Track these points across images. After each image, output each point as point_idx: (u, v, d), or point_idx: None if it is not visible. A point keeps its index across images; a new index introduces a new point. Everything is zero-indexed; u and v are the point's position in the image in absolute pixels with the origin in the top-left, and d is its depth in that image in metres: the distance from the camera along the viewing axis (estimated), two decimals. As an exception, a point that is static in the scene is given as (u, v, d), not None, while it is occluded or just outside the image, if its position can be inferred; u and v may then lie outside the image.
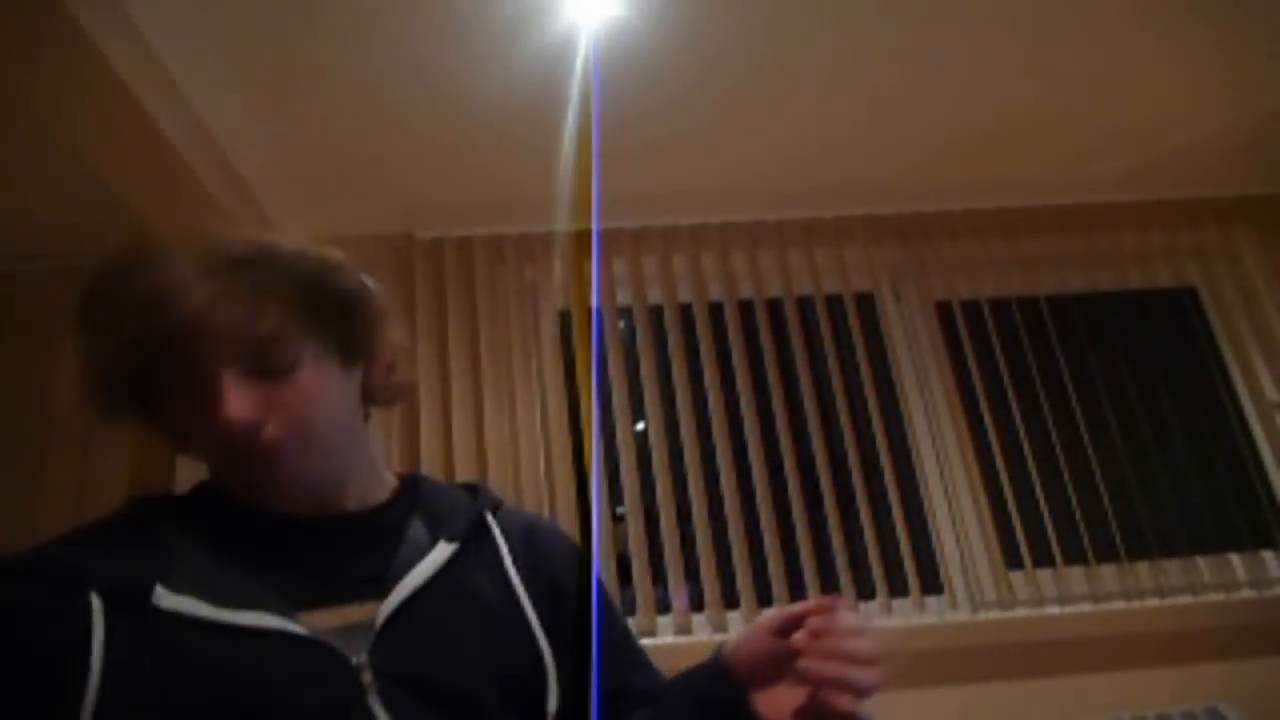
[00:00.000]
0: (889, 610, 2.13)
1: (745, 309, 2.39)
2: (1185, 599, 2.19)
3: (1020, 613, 2.15)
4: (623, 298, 2.37)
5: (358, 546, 0.76)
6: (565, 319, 2.34)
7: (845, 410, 2.29)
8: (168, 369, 0.70)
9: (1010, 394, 2.34)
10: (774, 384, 2.30)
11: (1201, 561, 2.24)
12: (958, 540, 2.23)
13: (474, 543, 0.82)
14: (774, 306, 2.40)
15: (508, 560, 0.82)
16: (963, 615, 2.16)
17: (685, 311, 2.37)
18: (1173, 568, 2.23)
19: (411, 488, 0.85)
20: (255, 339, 0.70)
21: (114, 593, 0.64)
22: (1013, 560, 2.20)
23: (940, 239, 2.46)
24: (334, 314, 0.76)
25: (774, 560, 2.14)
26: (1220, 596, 2.20)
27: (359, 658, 0.67)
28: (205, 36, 1.71)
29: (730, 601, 2.12)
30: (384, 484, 0.83)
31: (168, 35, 1.68)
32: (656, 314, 2.36)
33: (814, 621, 0.70)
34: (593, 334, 2.27)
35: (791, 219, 2.44)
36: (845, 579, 2.14)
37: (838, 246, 2.44)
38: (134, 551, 0.67)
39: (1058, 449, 2.30)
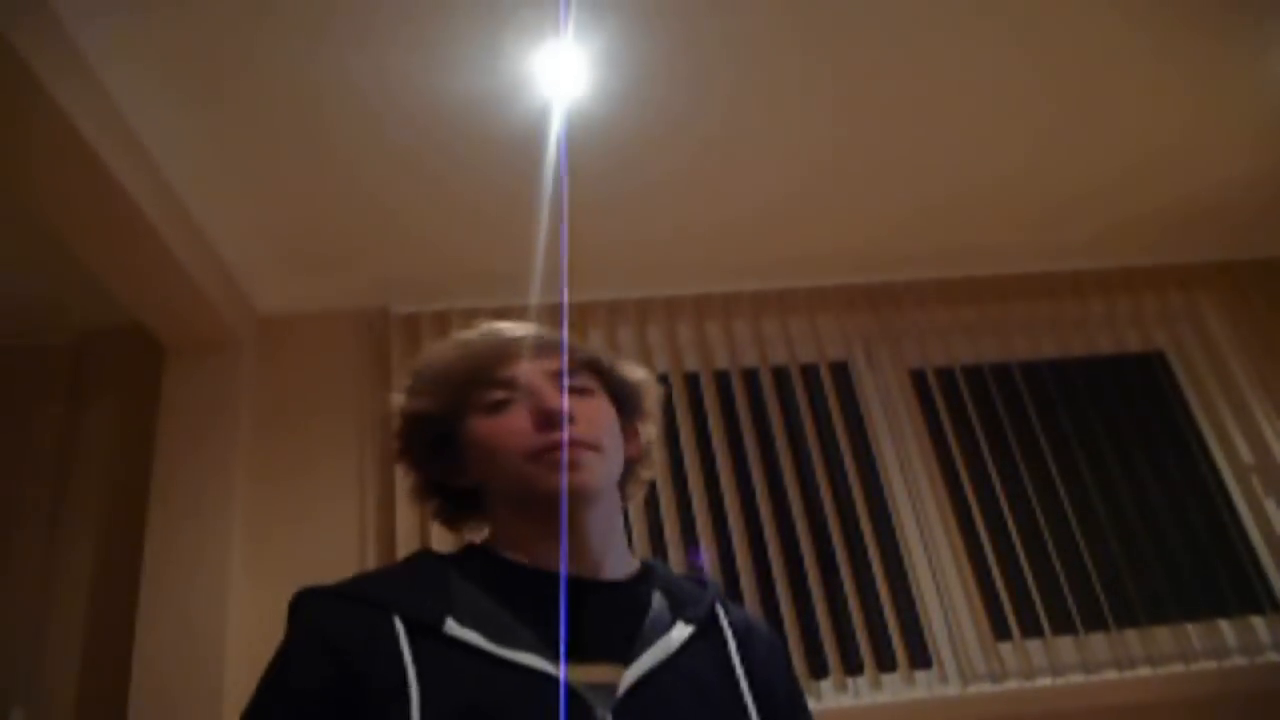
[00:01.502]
0: (878, 685, 2.07)
1: (721, 379, 2.39)
2: (1178, 668, 2.14)
3: (1012, 684, 2.10)
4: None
5: (610, 612, 0.83)
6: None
7: (825, 480, 2.28)
8: (504, 378, 0.88)
9: (988, 460, 2.33)
10: (753, 454, 2.29)
11: (1191, 628, 2.20)
12: (944, 611, 2.19)
13: (708, 630, 0.88)
14: (750, 376, 2.41)
15: (734, 653, 0.87)
16: (953, 689, 2.10)
17: (661, 382, 2.36)
18: (1162, 635, 2.19)
19: (650, 568, 0.92)
20: (571, 362, 0.90)
21: (412, 620, 0.75)
22: (1000, 631, 2.16)
23: (912, 307, 2.50)
24: (619, 379, 0.94)
25: (757, 634, 2.08)
26: (1213, 664, 2.16)
27: (604, 714, 0.73)
28: (183, 110, 1.74)
29: (713, 678, 2.05)
30: (632, 561, 0.91)
31: (145, 107, 1.70)
32: (633, 386, 2.36)
33: None
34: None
35: (765, 290, 2.47)
36: (831, 653, 2.08)
37: (811, 316, 2.47)
38: (427, 589, 0.79)
39: (1039, 515, 2.29)
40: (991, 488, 2.31)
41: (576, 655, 0.76)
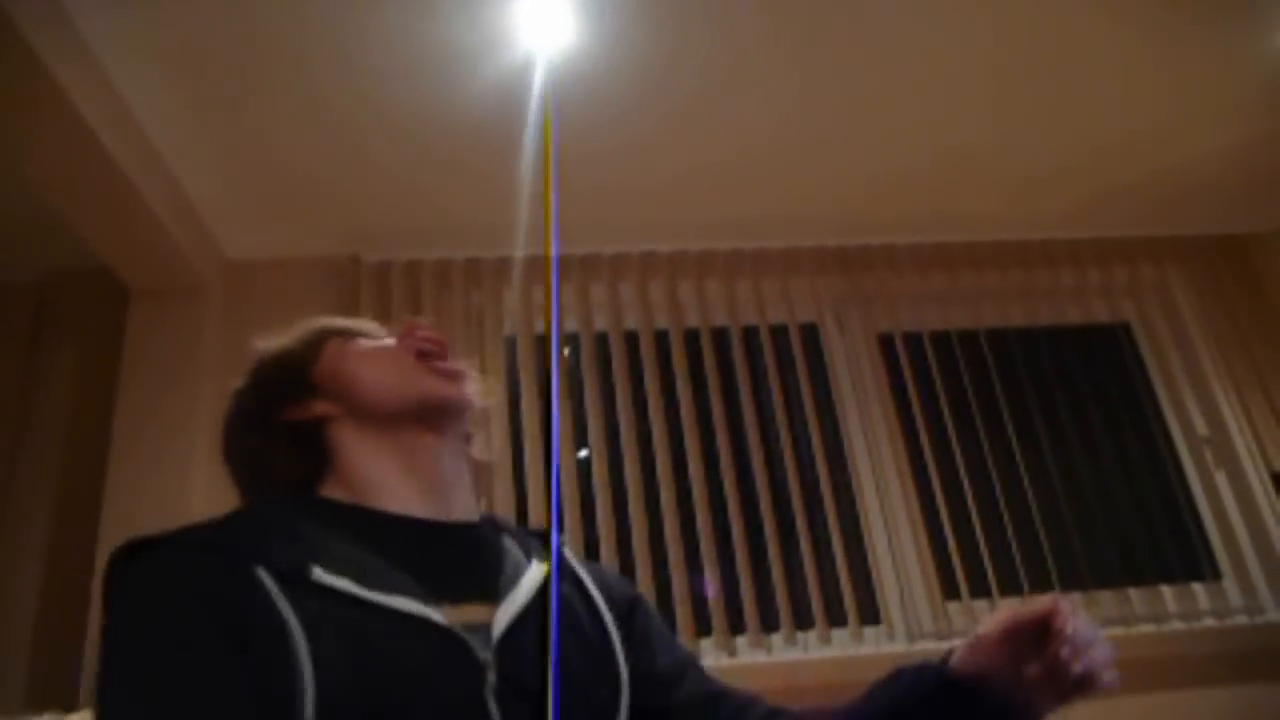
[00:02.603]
0: (827, 640, 2.14)
1: (690, 337, 2.41)
2: (1118, 630, 2.22)
3: (958, 642, 2.16)
4: (569, 324, 2.38)
5: (468, 552, 0.83)
6: (510, 345, 2.34)
7: (788, 440, 2.31)
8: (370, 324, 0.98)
9: (950, 426, 2.37)
10: (717, 413, 2.32)
11: (1134, 593, 2.28)
12: (896, 571, 2.25)
13: (562, 570, 0.88)
14: (719, 335, 2.42)
15: (592, 587, 0.89)
16: (900, 646, 2.18)
17: (631, 339, 2.38)
18: (1106, 599, 2.26)
19: (491, 517, 0.93)
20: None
21: (277, 568, 0.68)
22: (950, 591, 2.23)
23: (884, 272, 2.51)
24: None
25: (713, 589, 2.14)
26: (1151, 628, 2.24)
27: (484, 655, 0.72)
28: (156, 55, 1.71)
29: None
30: (476, 509, 0.90)
31: (117, 54, 1.67)
32: (602, 341, 2.38)
33: (1064, 635, 0.72)
34: (550, 360, 2.27)
35: (739, 249, 2.47)
36: (784, 609, 2.14)
37: (784, 277, 2.47)
38: (284, 537, 0.74)
39: (995, 480, 2.34)
40: (951, 452, 2.35)
41: (446, 597, 0.75)
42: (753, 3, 1.75)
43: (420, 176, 2.14)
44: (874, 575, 2.25)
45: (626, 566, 2.15)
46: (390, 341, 0.92)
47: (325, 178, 2.12)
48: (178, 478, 2.03)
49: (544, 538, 0.92)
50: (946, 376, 2.44)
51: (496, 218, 2.20)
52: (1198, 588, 2.33)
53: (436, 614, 0.72)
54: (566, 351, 2.36)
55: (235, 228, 2.25)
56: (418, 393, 0.85)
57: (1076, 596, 2.24)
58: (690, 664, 0.93)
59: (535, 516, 2.15)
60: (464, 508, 0.86)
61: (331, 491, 0.83)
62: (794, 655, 2.12)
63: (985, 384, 2.46)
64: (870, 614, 2.21)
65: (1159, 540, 2.39)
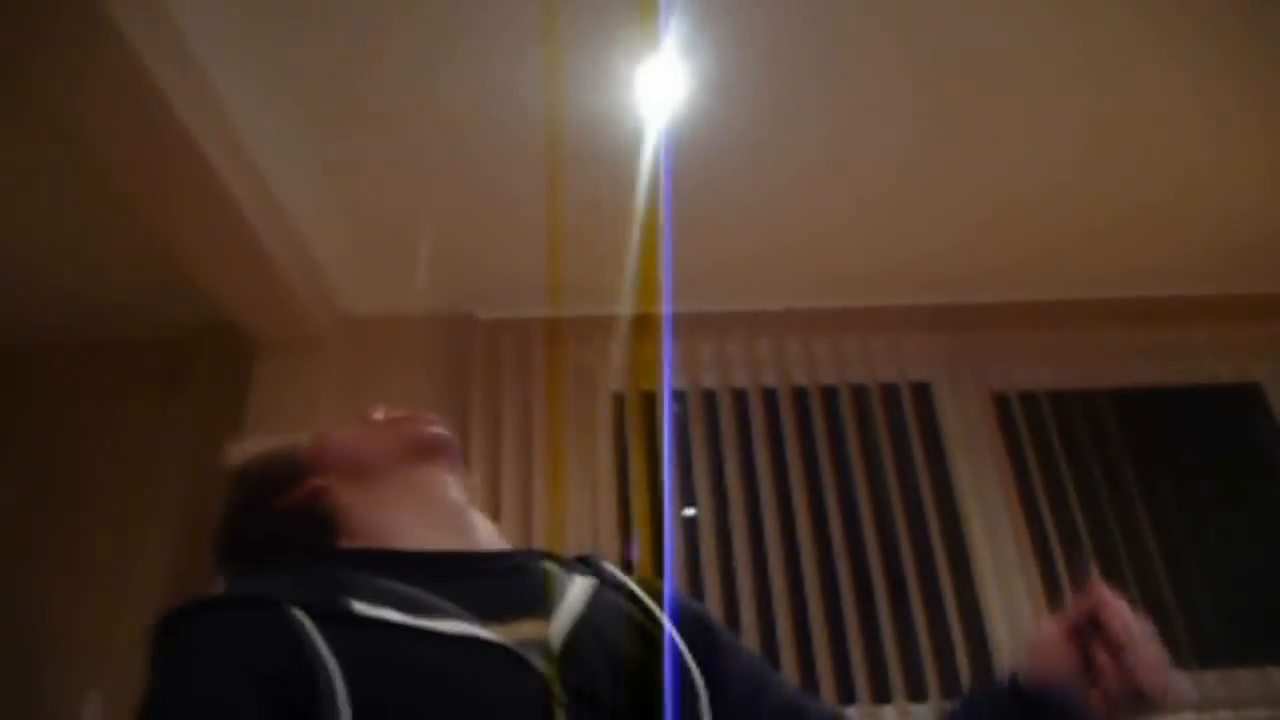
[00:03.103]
0: (941, 715, 2.06)
1: (799, 396, 2.38)
2: (1259, 712, 2.08)
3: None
4: (677, 382, 2.38)
5: (505, 575, 0.82)
6: (620, 402, 2.35)
7: (899, 501, 2.25)
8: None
9: (1069, 488, 2.28)
10: (827, 472, 2.28)
11: (1276, 672, 2.14)
12: (1015, 640, 2.15)
13: (609, 580, 0.87)
14: (829, 394, 2.39)
15: (639, 589, 0.87)
16: (1021, 721, 2.07)
17: (739, 397, 2.37)
18: (1245, 678, 2.13)
19: (526, 549, 0.92)
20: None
21: (314, 609, 0.67)
22: (1073, 665, 2.12)
23: (998, 329, 2.45)
24: None
25: (822, 656, 2.09)
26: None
27: (543, 668, 0.70)
28: (285, 116, 1.79)
29: (778, 698, 2.06)
30: (501, 539, 0.91)
31: (248, 115, 1.74)
32: (709, 399, 2.37)
33: (1117, 631, 0.73)
34: (659, 418, 2.27)
35: (849, 307, 2.45)
36: (896, 678, 2.07)
37: (895, 335, 2.43)
38: (317, 584, 0.71)
39: (1119, 547, 2.24)
40: (1070, 517, 2.25)
41: (493, 617, 0.72)
42: (866, 68, 1.76)
43: (533, 237, 2.18)
44: (992, 646, 2.16)
45: (732, 627, 2.10)
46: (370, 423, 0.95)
47: (442, 237, 2.18)
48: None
49: (586, 561, 0.91)
50: (1065, 438, 2.35)
51: (607, 277, 2.23)
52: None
53: (488, 632, 0.70)
54: (676, 409, 2.36)
55: (355, 284, 2.33)
56: (398, 441, 0.88)
57: (1212, 675, 2.12)
58: (768, 671, 0.91)
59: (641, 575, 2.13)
60: (488, 537, 0.88)
61: (357, 543, 0.83)
62: (909, 728, 2.04)
63: (1106, 446, 2.36)
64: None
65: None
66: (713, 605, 2.12)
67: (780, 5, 1.63)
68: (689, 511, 2.25)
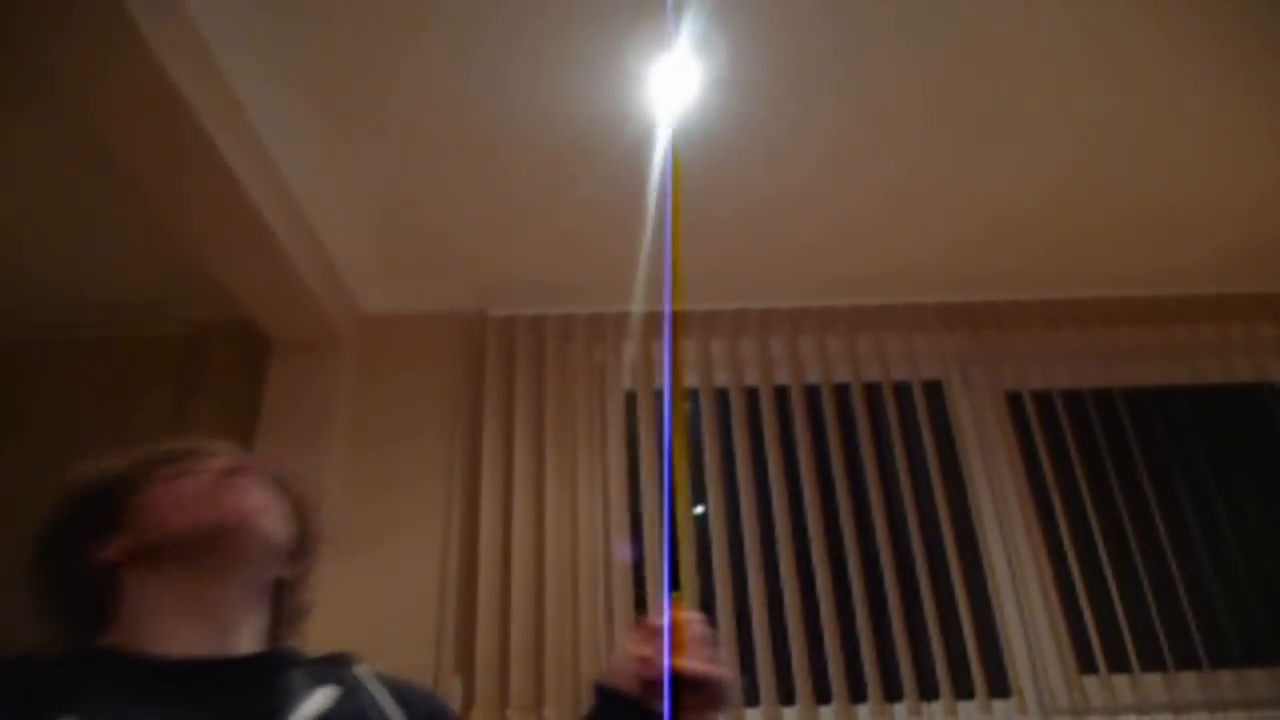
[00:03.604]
0: (954, 713, 2.05)
1: (811, 394, 2.38)
2: (1273, 713, 2.07)
3: (1094, 720, 2.06)
4: (689, 380, 2.38)
5: (247, 687, 0.84)
6: (631, 400, 2.36)
7: (911, 500, 2.25)
8: (183, 451, 0.97)
9: (1083, 487, 2.27)
10: (838, 471, 2.28)
11: (1289, 673, 2.13)
12: (1027, 641, 2.15)
13: (355, 690, 0.90)
14: (841, 392, 2.38)
15: (386, 704, 0.91)
16: (1033, 720, 2.08)
17: (751, 395, 2.37)
18: (1259, 678, 2.11)
19: (284, 649, 0.95)
20: (241, 460, 0.97)
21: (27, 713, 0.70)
22: (1086, 664, 2.11)
23: (1012, 328, 2.44)
24: (302, 502, 1.02)
25: (833, 654, 2.09)
26: (1310, 712, 2.08)
27: None
28: (302, 116, 1.81)
29: (786, 697, 2.07)
30: (258, 641, 0.93)
31: (266, 115, 1.76)
32: (722, 397, 2.37)
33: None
34: (663, 416, 2.28)
35: (862, 305, 2.44)
36: (908, 677, 2.07)
37: (908, 333, 2.43)
38: (41, 689, 0.74)
39: (1133, 546, 2.22)
40: (1085, 515, 2.25)
41: None
42: (879, 65, 1.75)
43: (546, 235, 2.20)
44: (1004, 645, 2.15)
45: (743, 626, 2.12)
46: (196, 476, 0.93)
47: (457, 235, 2.19)
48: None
49: (342, 663, 0.94)
50: (1079, 437, 2.34)
51: (620, 275, 2.24)
52: (1361, 669, 2.16)
53: None
54: (687, 407, 2.37)
55: (370, 282, 2.34)
56: (206, 518, 0.87)
57: (1226, 675, 2.11)
58: None
59: (651, 573, 2.14)
60: (249, 640, 0.89)
61: (114, 636, 0.85)
62: (920, 727, 2.04)
63: (1121, 445, 2.35)
64: (1000, 686, 2.12)
65: (1318, 614, 2.23)
66: (723, 603, 2.12)
67: (793, 3, 1.63)
68: (699, 509, 2.26)
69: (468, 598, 2.10)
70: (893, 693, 2.08)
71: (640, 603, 2.12)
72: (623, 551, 2.14)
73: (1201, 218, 2.27)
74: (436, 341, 2.38)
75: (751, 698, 2.07)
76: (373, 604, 2.08)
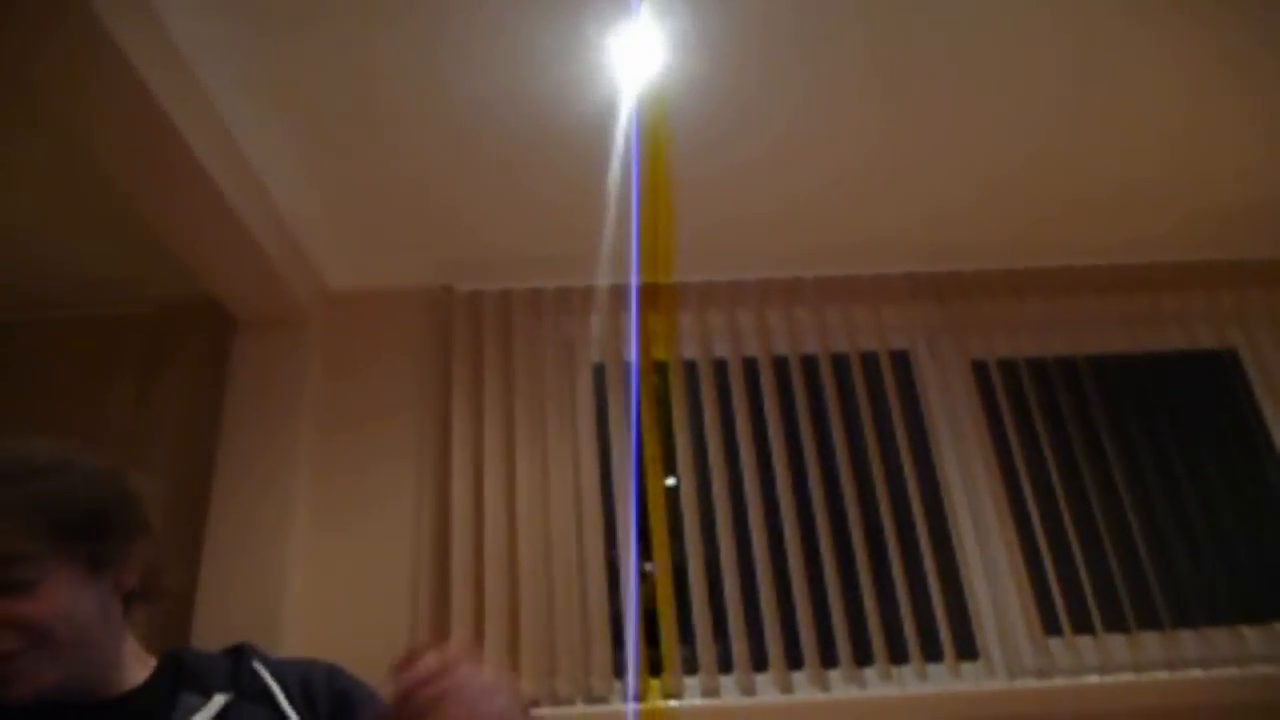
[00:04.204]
0: (924, 675, 2.09)
1: (780, 365, 2.39)
2: (1232, 671, 2.12)
3: (1059, 681, 2.10)
4: (658, 352, 2.39)
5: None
6: (600, 373, 2.36)
7: (880, 469, 2.28)
8: None
9: (1048, 453, 2.31)
10: (808, 441, 2.29)
11: (1248, 631, 2.18)
12: (994, 605, 2.19)
13: (249, 690, 0.90)
14: (809, 363, 2.40)
15: (281, 699, 0.91)
16: (1000, 683, 2.11)
17: (720, 367, 2.38)
18: (1219, 637, 2.16)
19: (174, 662, 0.93)
20: None
21: None
22: (1051, 626, 2.16)
23: (979, 298, 2.46)
24: (80, 530, 0.84)
25: (804, 622, 2.12)
26: (1269, 669, 2.13)
27: None
28: (260, 90, 1.77)
29: (759, 663, 2.09)
30: (144, 665, 0.91)
31: (224, 88, 1.74)
32: (690, 369, 2.38)
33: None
34: (632, 389, 2.28)
35: (829, 276, 2.46)
36: (878, 642, 2.10)
37: (875, 304, 2.44)
38: None
39: (1097, 512, 2.26)
40: (1049, 481, 2.28)
41: None
42: (845, 31, 1.74)
43: (512, 208, 2.18)
44: (971, 609, 2.19)
45: (715, 595, 2.14)
46: None
47: (420, 210, 2.17)
48: (281, 497, 2.09)
49: (239, 657, 0.93)
50: (1044, 404, 2.37)
51: (587, 248, 2.24)
52: (1318, 627, 2.21)
53: None
54: (656, 380, 2.37)
55: (335, 260, 2.32)
56: None
57: (1187, 634, 2.15)
58: None
59: (623, 545, 2.15)
60: (125, 678, 0.88)
61: None
62: (890, 691, 2.07)
63: (1085, 412, 2.38)
64: (968, 649, 2.16)
65: (1274, 574, 2.28)
66: (695, 572, 2.14)
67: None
68: (670, 481, 2.27)
69: (441, 574, 2.10)
70: (863, 657, 2.11)
71: (613, 576, 2.14)
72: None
73: (1166, 188, 2.29)
74: (404, 317, 2.37)
75: (725, 664, 2.09)
76: (346, 583, 2.08)
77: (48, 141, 1.85)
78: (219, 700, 0.88)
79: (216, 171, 1.75)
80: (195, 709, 0.86)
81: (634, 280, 2.29)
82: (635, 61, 1.77)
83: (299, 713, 0.91)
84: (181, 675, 0.92)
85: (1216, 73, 1.92)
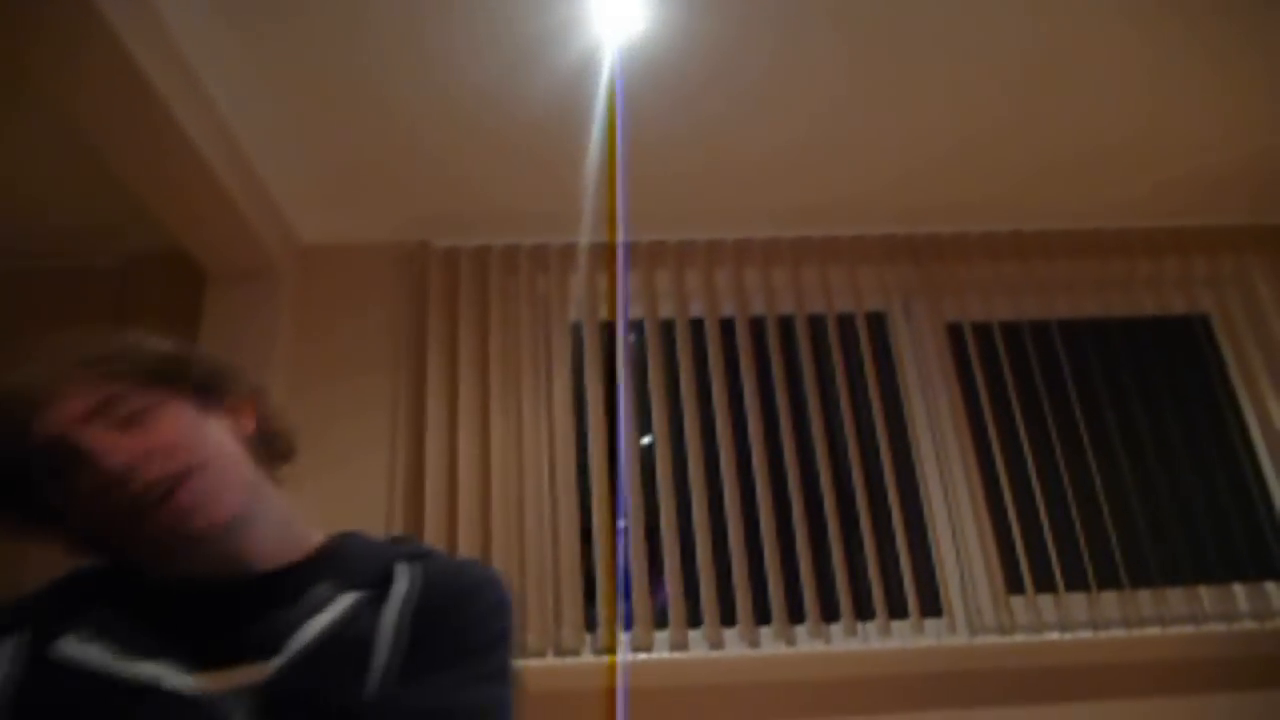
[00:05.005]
0: (888, 632, 2.14)
1: (756, 325, 2.40)
2: (1187, 629, 2.18)
3: (1019, 638, 2.15)
4: (635, 311, 2.38)
5: (258, 607, 0.78)
6: (576, 331, 2.36)
7: (852, 429, 2.30)
8: (53, 468, 0.75)
9: (1018, 417, 2.34)
10: (781, 401, 2.31)
11: (1204, 591, 2.23)
12: (959, 563, 2.24)
13: (379, 592, 0.82)
14: (785, 324, 2.41)
15: (394, 608, 0.81)
16: (961, 639, 2.17)
17: (696, 327, 2.38)
18: (1175, 596, 2.22)
19: (336, 547, 0.88)
20: (102, 401, 0.75)
21: (29, 637, 0.72)
22: (1014, 585, 2.21)
23: (954, 261, 2.47)
24: (172, 372, 0.82)
25: (773, 578, 2.15)
26: (1222, 627, 2.19)
27: (238, 718, 0.71)
28: (233, 43, 1.73)
29: (728, 618, 2.14)
30: (298, 545, 0.86)
31: (196, 42, 1.70)
32: (667, 328, 2.38)
33: None
34: (612, 347, 2.28)
35: (806, 237, 2.45)
36: (844, 599, 2.15)
37: (852, 266, 2.44)
38: (61, 606, 0.75)
39: (1063, 472, 2.30)
40: (1018, 444, 2.32)
41: (220, 660, 0.73)
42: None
43: (489, 163, 2.15)
44: (936, 567, 2.23)
45: (687, 553, 2.17)
46: (83, 498, 0.76)
47: (395, 164, 2.14)
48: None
49: (392, 555, 0.86)
50: (1016, 368, 2.39)
51: (564, 204, 2.21)
52: (1271, 586, 2.28)
53: (180, 679, 0.72)
54: (632, 338, 2.37)
55: (308, 213, 2.29)
56: (127, 553, 0.78)
57: (1144, 594, 2.21)
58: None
59: (598, 503, 2.17)
60: (268, 555, 0.82)
61: (117, 555, 0.81)
62: (854, 646, 2.12)
63: (1056, 376, 2.41)
64: (932, 606, 2.21)
65: (1232, 537, 2.34)
66: (667, 529, 2.17)
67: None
68: (645, 440, 2.29)
69: (415, 528, 2.11)
70: (830, 614, 2.16)
71: (586, 531, 2.16)
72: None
73: (1141, 153, 2.29)
74: (378, 273, 2.35)
75: (694, 618, 2.14)
76: (318, 535, 2.09)
77: (15, 94, 1.80)
78: (344, 602, 0.79)
79: (187, 121, 1.72)
80: (319, 607, 0.78)
81: (620, 238, 2.27)
82: (610, 15, 1.73)
83: (396, 629, 0.79)
84: (330, 563, 0.84)
85: (1194, 42, 1.91)
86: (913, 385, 2.41)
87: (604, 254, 2.34)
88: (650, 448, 2.26)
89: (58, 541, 0.81)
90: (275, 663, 0.74)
